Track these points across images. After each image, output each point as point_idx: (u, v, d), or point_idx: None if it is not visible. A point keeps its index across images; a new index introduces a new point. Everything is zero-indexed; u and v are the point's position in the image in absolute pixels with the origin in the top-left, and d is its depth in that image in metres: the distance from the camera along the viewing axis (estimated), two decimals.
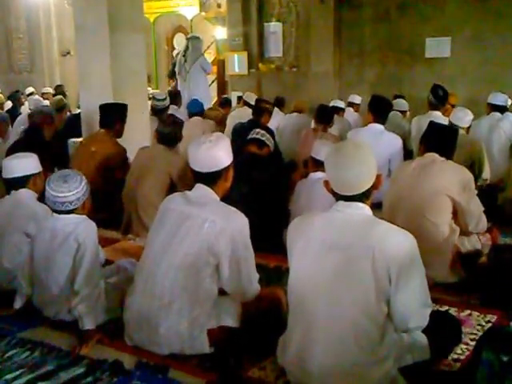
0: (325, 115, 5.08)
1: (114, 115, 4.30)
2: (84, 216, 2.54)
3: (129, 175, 4.04)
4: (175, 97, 6.93)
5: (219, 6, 11.37)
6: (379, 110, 4.50)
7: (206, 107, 6.73)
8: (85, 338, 2.32)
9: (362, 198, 1.89)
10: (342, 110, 6.24)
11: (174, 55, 8.74)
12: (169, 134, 4.00)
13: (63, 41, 11.71)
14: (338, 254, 1.84)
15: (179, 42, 12.09)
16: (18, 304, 2.61)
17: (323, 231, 1.91)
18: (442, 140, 3.11)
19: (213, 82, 10.21)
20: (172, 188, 3.76)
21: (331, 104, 6.16)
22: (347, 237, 1.85)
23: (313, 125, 5.26)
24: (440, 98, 4.97)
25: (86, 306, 2.34)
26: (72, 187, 2.45)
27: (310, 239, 1.92)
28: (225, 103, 7.53)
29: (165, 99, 5.87)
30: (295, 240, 1.98)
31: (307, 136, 4.97)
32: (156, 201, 3.70)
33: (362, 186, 1.87)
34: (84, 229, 2.46)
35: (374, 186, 1.91)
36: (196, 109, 5.92)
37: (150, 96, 6.44)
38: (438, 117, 4.72)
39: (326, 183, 1.94)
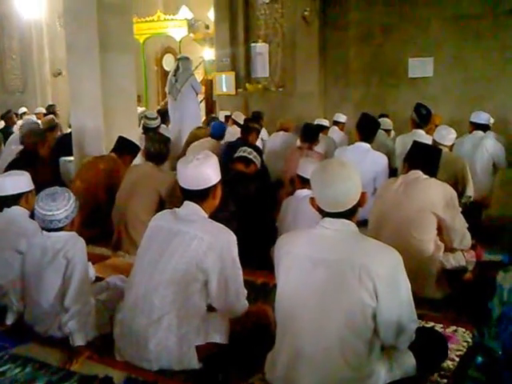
0: (310, 134, 5.13)
1: (129, 150, 4.56)
2: (73, 233, 2.55)
3: (119, 193, 4.07)
4: (163, 116, 7.00)
5: (207, 27, 11.53)
6: (367, 129, 4.54)
7: (196, 126, 6.79)
8: (75, 355, 2.32)
9: (347, 215, 1.91)
10: (327, 128, 6.32)
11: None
12: (155, 151, 4.07)
13: (55, 61, 11.76)
14: (324, 271, 1.85)
15: (168, 62, 12.21)
16: (9, 320, 2.62)
17: (309, 248, 1.92)
18: (425, 158, 3.16)
19: (201, 101, 10.31)
20: (161, 205, 3.79)
21: (316, 122, 6.25)
22: (333, 253, 1.86)
23: (298, 143, 5.32)
24: (423, 117, 5.02)
25: (76, 323, 2.35)
26: (60, 205, 2.47)
27: (296, 256, 1.94)
28: (212, 122, 7.59)
29: (156, 118, 5.95)
30: (282, 257, 1.99)
31: (293, 154, 5.00)
32: (145, 218, 3.71)
33: (347, 204, 1.89)
34: (73, 246, 2.48)
35: (360, 204, 1.93)
36: (218, 133, 5.70)
37: (142, 115, 6.50)
38: (422, 135, 4.79)
39: (312, 200, 1.96)
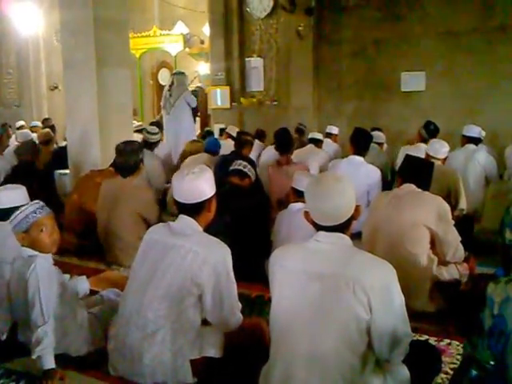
0: (285, 143, 4.90)
1: None
2: (34, 252, 2.43)
3: (99, 212, 3.99)
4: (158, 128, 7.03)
5: (202, 42, 11.65)
6: (360, 142, 4.60)
7: (190, 140, 6.82)
8: (46, 378, 2.21)
9: (341, 228, 1.91)
10: (321, 141, 6.33)
11: None
12: (121, 163, 3.93)
13: (51, 75, 11.82)
14: (318, 285, 1.84)
15: (164, 76, 12.28)
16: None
17: (303, 262, 1.92)
18: (418, 172, 3.19)
19: (196, 115, 10.38)
20: (146, 223, 3.79)
21: (309, 136, 6.28)
22: (327, 267, 1.85)
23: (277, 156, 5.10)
24: (431, 132, 5.24)
25: (43, 347, 2.21)
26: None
27: (290, 270, 1.93)
28: (207, 136, 7.63)
29: (157, 133, 5.93)
30: (276, 271, 1.99)
31: (273, 173, 4.83)
32: (131, 239, 3.72)
33: (341, 217, 1.90)
34: (28, 267, 2.35)
35: (354, 217, 1.94)
36: (213, 149, 5.70)
37: (136, 129, 6.52)
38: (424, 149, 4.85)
39: (307, 214, 1.97)
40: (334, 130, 7.03)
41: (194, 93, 8.49)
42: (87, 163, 5.12)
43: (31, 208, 2.43)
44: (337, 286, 1.81)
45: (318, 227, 1.94)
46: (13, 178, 4.20)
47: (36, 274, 2.32)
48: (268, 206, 4.39)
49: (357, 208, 1.93)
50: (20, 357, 2.49)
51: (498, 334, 1.62)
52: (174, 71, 8.63)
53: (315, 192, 1.93)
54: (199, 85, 11.12)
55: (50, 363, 2.22)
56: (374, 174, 4.49)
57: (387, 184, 4.97)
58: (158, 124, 7.54)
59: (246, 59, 9.60)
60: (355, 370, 1.82)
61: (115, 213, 3.85)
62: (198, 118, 10.41)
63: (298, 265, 1.92)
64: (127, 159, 3.90)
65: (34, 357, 2.21)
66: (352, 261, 1.86)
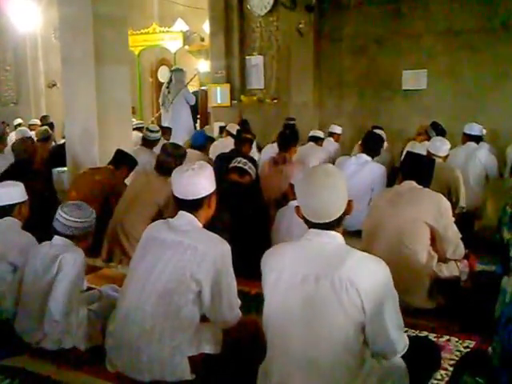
0: (284, 142, 4.84)
1: (126, 162, 4.57)
2: (73, 244, 2.59)
3: (121, 202, 4.04)
4: (166, 130, 7.03)
5: (202, 39, 11.60)
6: (370, 145, 4.72)
7: (188, 138, 6.81)
8: (74, 357, 2.33)
9: (333, 225, 1.85)
10: (321, 139, 6.32)
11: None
12: (165, 162, 4.01)
13: (49, 73, 11.79)
14: (310, 285, 1.79)
15: (163, 74, 12.26)
16: None
17: (295, 262, 1.86)
18: (419, 169, 3.20)
19: (197, 114, 10.36)
20: (160, 216, 3.78)
21: (310, 134, 6.27)
22: (319, 267, 1.80)
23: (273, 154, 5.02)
24: (440, 134, 5.33)
25: (67, 335, 2.35)
26: (85, 215, 2.60)
27: (282, 271, 1.88)
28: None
29: (158, 131, 5.92)
30: (268, 271, 1.93)
31: (268, 171, 4.70)
32: (141, 230, 3.71)
33: (332, 214, 1.83)
34: (68, 255, 2.49)
35: (346, 212, 1.86)
36: (198, 142, 5.76)
37: (134, 126, 6.50)
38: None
39: (298, 209, 1.91)
40: (337, 129, 7.01)
41: (195, 93, 8.47)
42: (86, 161, 5.10)
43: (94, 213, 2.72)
44: (329, 286, 1.76)
45: (310, 224, 1.88)
46: (8, 176, 4.18)
47: (73, 263, 2.47)
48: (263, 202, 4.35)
49: (349, 203, 1.87)
50: (16, 354, 2.50)
51: (506, 321, 1.62)
52: (173, 68, 8.63)
53: (305, 187, 1.87)
54: (203, 88, 11.00)
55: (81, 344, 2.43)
56: (376, 170, 4.58)
57: (388, 182, 4.98)
58: (169, 127, 7.49)
59: (247, 57, 9.57)
60: (352, 369, 1.80)
61: (137, 202, 3.90)
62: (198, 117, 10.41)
63: (290, 265, 1.87)
64: (173, 161, 3.98)
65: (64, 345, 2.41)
66: (345, 261, 1.79)
